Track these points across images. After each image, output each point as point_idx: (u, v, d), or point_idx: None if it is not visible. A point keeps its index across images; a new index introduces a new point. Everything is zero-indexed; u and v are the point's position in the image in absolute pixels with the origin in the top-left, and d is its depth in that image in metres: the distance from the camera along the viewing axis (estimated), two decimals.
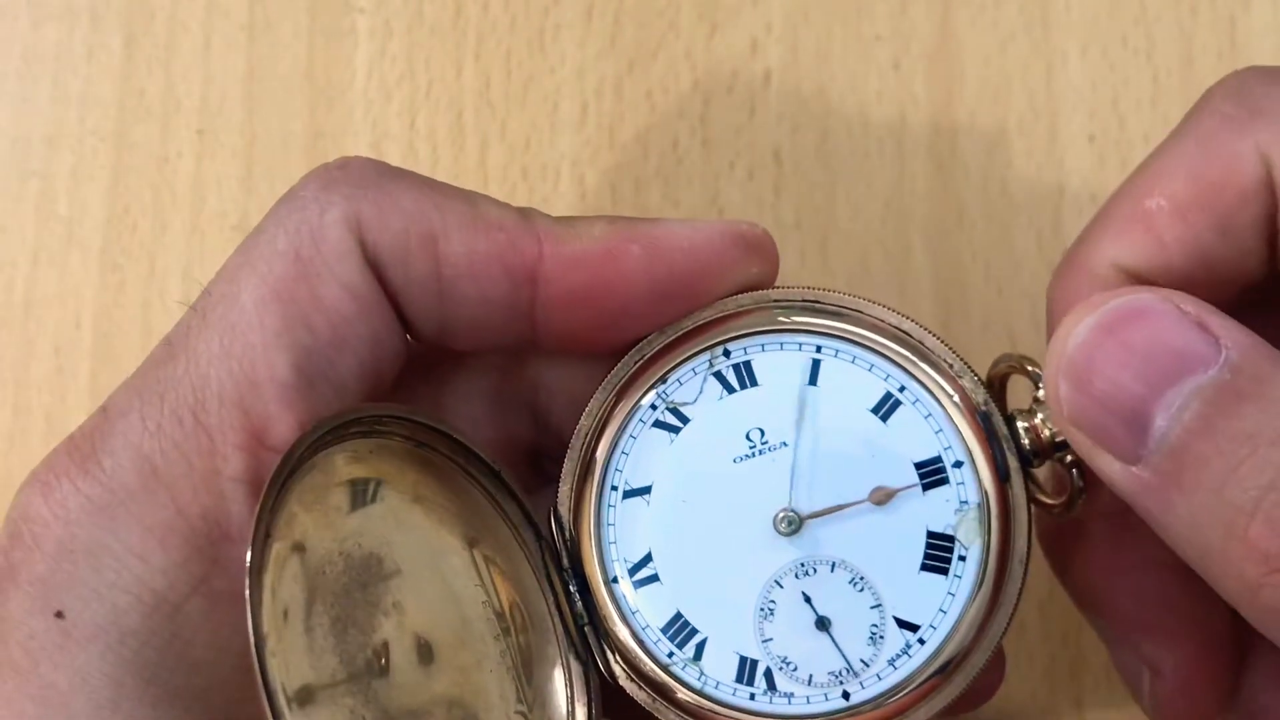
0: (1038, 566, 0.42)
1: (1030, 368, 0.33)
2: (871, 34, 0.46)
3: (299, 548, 0.30)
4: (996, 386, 0.35)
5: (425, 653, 0.32)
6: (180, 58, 0.48)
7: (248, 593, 0.28)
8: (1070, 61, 0.45)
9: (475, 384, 0.36)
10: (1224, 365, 0.28)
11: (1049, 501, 0.34)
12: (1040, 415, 0.33)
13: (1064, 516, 0.34)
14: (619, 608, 0.33)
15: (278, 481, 0.29)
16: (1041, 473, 0.34)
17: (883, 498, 0.33)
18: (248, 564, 0.28)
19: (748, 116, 0.46)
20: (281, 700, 0.28)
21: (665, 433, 0.34)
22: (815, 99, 0.46)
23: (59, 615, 0.30)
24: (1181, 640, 0.35)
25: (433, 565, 0.33)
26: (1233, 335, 0.29)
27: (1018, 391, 0.35)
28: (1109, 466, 0.30)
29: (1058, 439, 0.33)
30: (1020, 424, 0.33)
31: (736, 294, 0.34)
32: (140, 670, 0.30)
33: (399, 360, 0.33)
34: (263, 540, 0.29)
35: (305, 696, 0.29)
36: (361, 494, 0.32)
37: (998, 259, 0.44)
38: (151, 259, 0.46)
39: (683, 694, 0.33)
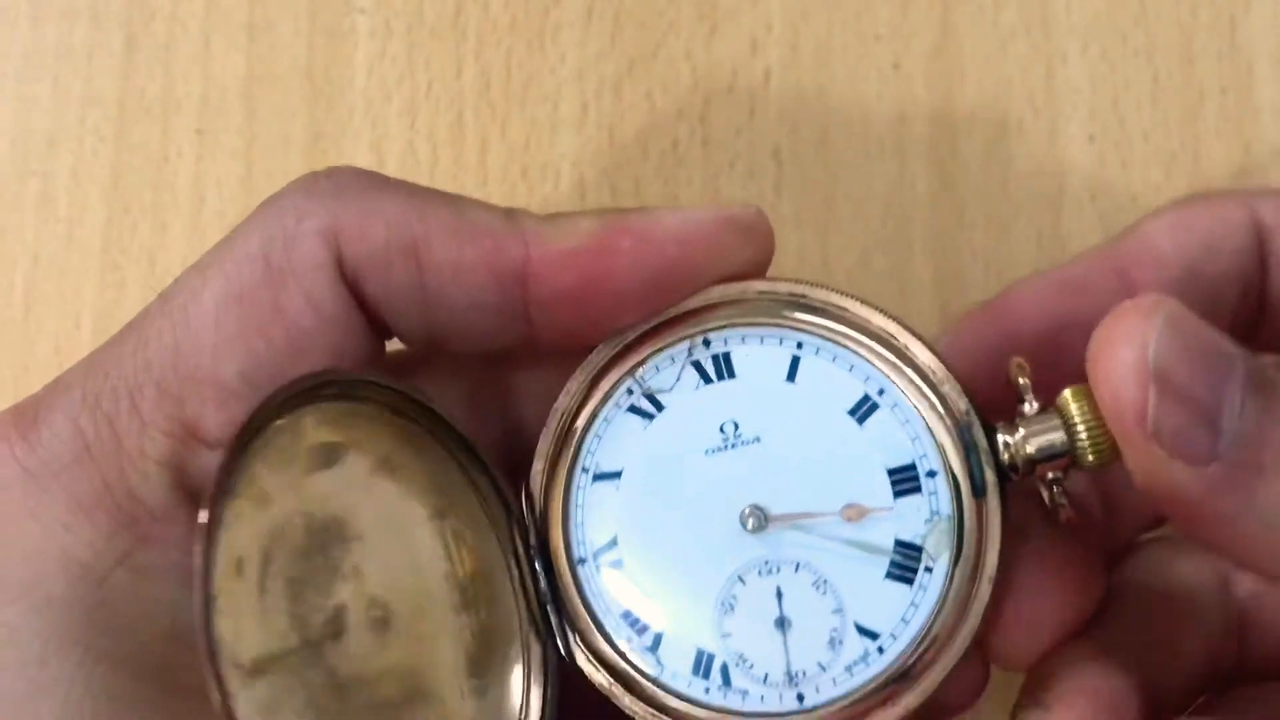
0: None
1: (1023, 380, 0.33)
2: (871, 34, 0.46)
3: (259, 506, 0.30)
4: (1015, 386, 0.35)
5: (382, 620, 0.32)
6: (180, 58, 0.48)
7: (201, 546, 0.28)
8: (1070, 61, 0.45)
9: (443, 385, 0.35)
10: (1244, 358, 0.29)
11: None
12: (1023, 430, 0.32)
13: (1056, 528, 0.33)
14: (581, 590, 0.33)
15: (242, 440, 0.29)
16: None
17: (855, 515, 0.32)
18: (203, 517, 0.28)
19: (748, 116, 0.46)
20: (225, 659, 0.28)
21: (639, 418, 0.33)
22: (815, 99, 0.46)
23: None
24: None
25: (397, 533, 0.33)
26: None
27: None
28: (1180, 476, 0.29)
29: (1039, 456, 0.32)
30: (1002, 437, 0.32)
31: (725, 281, 0.33)
32: (66, 632, 0.30)
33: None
34: (220, 496, 0.29)
35: (251, 657, 0.29)
36: (329, 457, 0.32)
37: (998, 259, 0.44)
38: (151, 259, 0.46)
39: (638, 681, 0.32)
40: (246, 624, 0.30)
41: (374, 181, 0.33)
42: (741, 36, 0.46)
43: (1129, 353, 0.29)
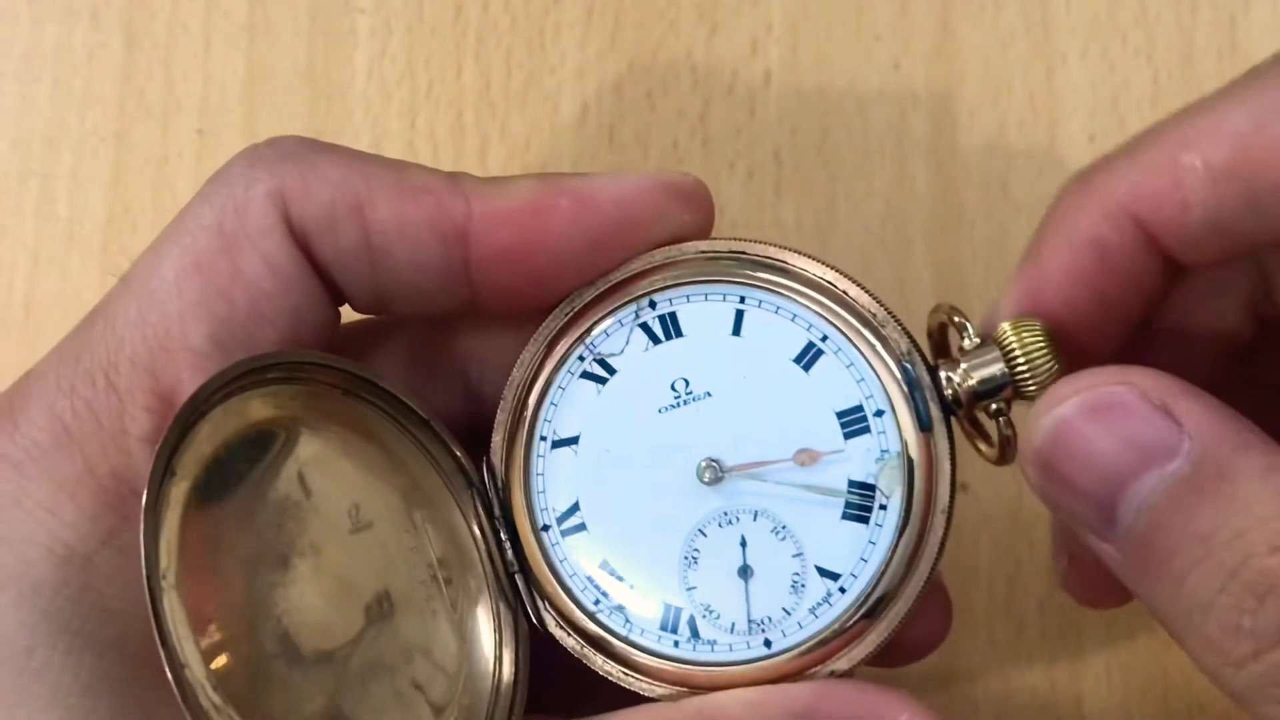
0: (1036, 568, 0.42)
1: (958, 319, 0.34)
2: (871, 34, 0.46)
3: (206, 486, 0.31)
4: (935, 336, 0.35)
5: (345, 595, 0.32)
6: (180, 58, 0.48)
7: (142, 524, 0.28)
8: (1070, 61, 0.45)
9: (400, 354, 0.36)
10: (1185, 458, 0.28)
11: (985, 450, 0.35)
12: (964, 365, 0.33)
13: (1000, 464, 0.34)
14: (547, 556, 0.33)
15: (183, 419, 0.30)
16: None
17: (807, 460, 0.33)
18: (144, 500, 0.28)
19: (748, 116, 0.46)
20: (172, 632, 0.29)
21: (593, 383, 0.34)
22: (815, 99, 0.46)
23: None
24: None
25: (356, 510, 0.33)
26: (1199, 423, 0.28)
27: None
28: (1085, 535, 0.30)
29: (981, 388, 0.33)
30: (944, 373, 0.33)
31: (668, 245, 0.34)
32: (53, 617, 0.30)
33: (323, 334, 0.33)
34: (161, 475, 0.29)
35: (208, 631, 0.30)
36: (280, 437, 0.32)
37: (998, 259, 0.44)
38: None
39: (609, 641, 0.33)
40: (198, 597, 0.30)
41: (316, 146, 0.33)
42: (741, 36, 0.46)
43: (1028, 429, 0.30)
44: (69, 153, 0.47)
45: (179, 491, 0.30)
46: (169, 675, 0.28)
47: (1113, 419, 0.29)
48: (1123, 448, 0.29)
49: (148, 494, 0.29)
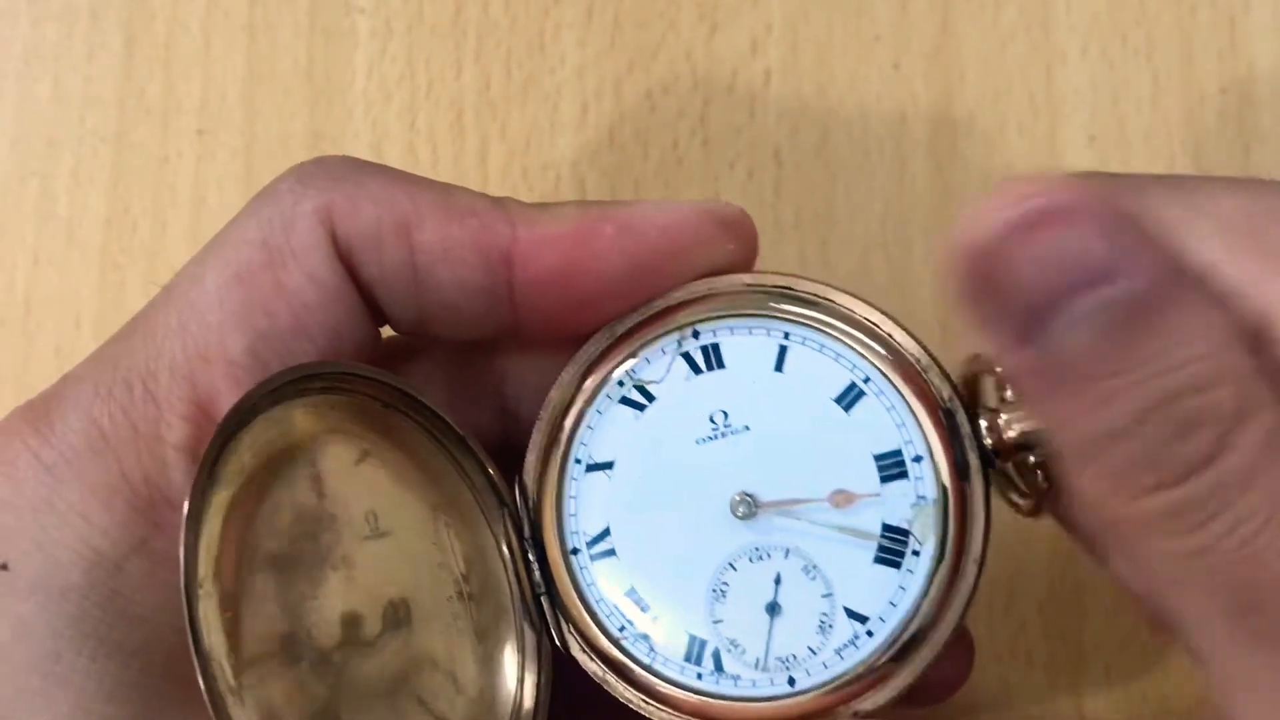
0: (1036, 568, 0.42)
1: (999, 368, 0.33)
2: (871, 34, 0.46)
3: (245, 495, 0.31)
4: (970, 384, 0.35)
5: (373, 606, 0.32)
6: (180, 58, 0.48)
7: (183, 531, 0.28)
8: (1070, 61, 0.45)
9: (437, 371, 0.36)
10: (1139, 279, 0.26)
11: (1018, 501, 0.34)
12: (1005, 415, 0.32)
13: (1032, 516, 0.34)
14: (575, 579, 0.33)
15: (227, 426, 0.30)
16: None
17: (842, 501, 0.33)
18: (186, 508, 0.28)
19: (748, 116, 0.46)
20: (209, 646, 0.29)
21: (631, 410, 0.34)
22: (815, 99, 0.46)
23: (3, 567, 0.30)
24: None
25: (389, 524, 0.33)
26: (1154, 253, 0.26)
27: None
28: (993, 336, 0.27)
29: (1022, 440, 0.32)
30: (985, 422, 0.33)
31: (713, 275, 0.34)
32: (80, 623, 0.30)
33: (362, 352, 0.33)
34: (204, 482, 0.29)
35: (237, 645, 0.30)
36: (318, 448, 0.32)
37: None
38: (151, 259, 0.46)
39: (632, 669, 0.33)
40: (233, 610, 0.30)
41: (364, 166, 0.33)
42: (741, 36, 0.46)
43: (968, 221, 0.27)
44: (69, 153, 0.47)
45: (220, 499, 0.30)
46: (201, 684, 0.28)
47: (1072, 227, 0.27)
48: (1075, 259, 0.26)
49: (190, 501, 0.29)
